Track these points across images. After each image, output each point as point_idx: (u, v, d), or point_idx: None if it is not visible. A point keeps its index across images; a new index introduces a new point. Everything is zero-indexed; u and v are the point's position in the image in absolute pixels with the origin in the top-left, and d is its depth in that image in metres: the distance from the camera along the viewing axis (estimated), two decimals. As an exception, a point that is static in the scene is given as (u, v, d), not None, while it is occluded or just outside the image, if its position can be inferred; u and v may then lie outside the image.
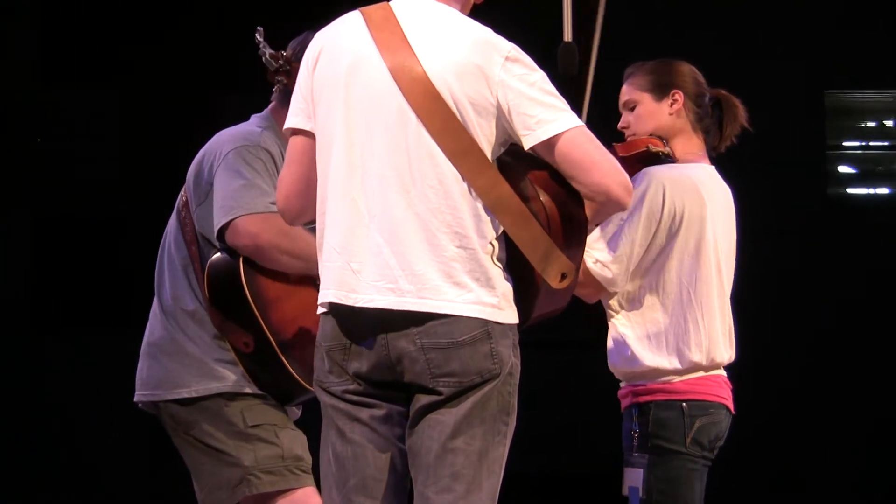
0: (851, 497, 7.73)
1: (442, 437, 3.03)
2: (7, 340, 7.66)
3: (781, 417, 7.64)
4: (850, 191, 8.42)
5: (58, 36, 7.70)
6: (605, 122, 3.96)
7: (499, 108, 3.05)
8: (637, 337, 3.88)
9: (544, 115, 3.04)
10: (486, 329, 3.03)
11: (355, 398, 3.10)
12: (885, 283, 7.80)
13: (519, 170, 3.10)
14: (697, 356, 3.88)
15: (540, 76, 3.07)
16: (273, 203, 3.73)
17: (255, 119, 4.02)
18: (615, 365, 3.94)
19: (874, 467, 7.77)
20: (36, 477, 7.58)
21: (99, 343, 7.28)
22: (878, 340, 7.76)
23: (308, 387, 3.76)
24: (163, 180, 4.48)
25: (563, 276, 3.08)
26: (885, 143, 8.50)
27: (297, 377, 3.82)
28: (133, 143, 7.65)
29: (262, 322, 3.78)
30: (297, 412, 4.03)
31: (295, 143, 3.19)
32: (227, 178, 3.83)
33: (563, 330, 4.64)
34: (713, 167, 4.05)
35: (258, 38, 3.86)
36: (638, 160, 3.94)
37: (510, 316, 3.08)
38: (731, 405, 3.97)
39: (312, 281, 3.83)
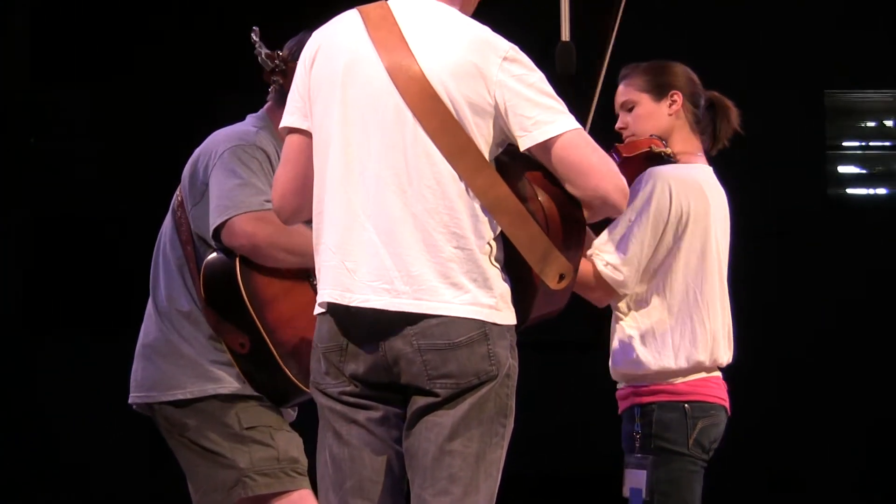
0: (851, 497, 7.72)
1: (439, 440, 3.02)
2: (3, 341, 7.65)
3: (781, 417, 7.63)
4: (850, 191, 8.41)
5: (52, 35, 7.69)
6: (604, 122, 3.96)
7: (496, 108, 3.03)
8: (644, 338, 3.89)
9: (541, 116, 3.03)
10: (483, 330, 3.02)
11: (352, 400, 3.09)
12: (885, 283, 7.79)
13: (517, 170, 3.09)
14: (702, 356, 3.89)
15: (538, 77, 3.06)
16: (268, 201, 3.71)
17: (250, 119, 4.01)
18: (618, 366, 3.94)
19: (874, 467, 7.77)
20: (34, 478, 7.57)
21: (97, 343, 7.28)
22: (878, 340, 7.75)
23: (304, 388, 3.76)
24: (160, 181, 4.46)
25: (562, 277, 3.06)
26: (886, 144, 8.48)
27: (293, 378, 3.80)
28: (130, 143, 7.64)
29: (258, 323, 3.77)
30: (292, 414, 4.01)
31: (291, 141, 3.18)
32: (222, 177, 3.82)
33: (561, 331, 4.63)
34: (710, 168, 4.05)
35: (254, 37, 3.85)
36: (642, 161, 3.94)
37: (508, 317, 3.07)
38: (728, 406, 3.98)
39: (309, 281, 3.82)
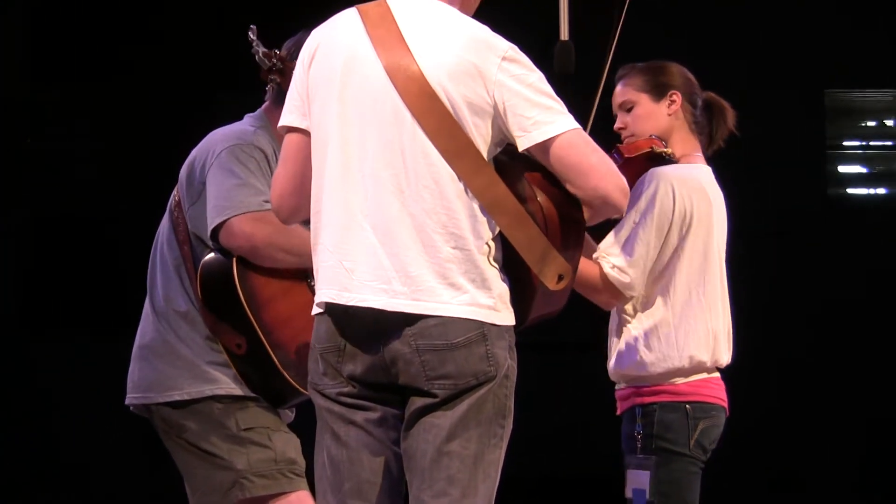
0: (851, 497, 7.72)
1: (437, 441, 3.01)
2: (1, 341, 7.64)
3: (781, 417, 7.63)
4: (850, 191, 8.40)
5: (49, 35, 7.68)
6: (603, 123, 3.95)
7: (495, 108, 3.02)
8: (648, 339, 3.90)
9: (540, 116, 3.02)
10: (481, 331, 3.01)
11: (350, 401, 3.08)
12: (885, 283, 7.79)
13: (516, 170, 3.08)
14: (704, 356, 3.90)
15: (537, 77, 3.05)
16: (267, 202, 3.71)
17: (248, 118, 3.99)
18: (621, 367, 3.94)
19: (874, 467, 7.77)
20: (34, 478, 7.56)
21: (96, 343, 7.27)
22: (878, 340, 7.75)
23: (301, 389, 3.75)
24: (158, 181, 4.44)
25: (560, 278, 3.06)
26: (886, 143, 8.47)
27: (290, 380, 3.79)
28: (127, 143, 7.63)
29: (255, 323, 3.76)
30: (290, 415, 4.00)
31: (290, 140, 3.17)
32: (220, 177, 3.80)
33: (559, 331, 4.62)
34: (709, 168, 4.05)
35: (251, 36, 3.83)
36: (643, 161, 3.95)
37: (506, 317, 3.06)
38: (727, 407, 3.98)
39: (306, 282, 3.81)
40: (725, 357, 3.97)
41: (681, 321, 3.90)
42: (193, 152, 3.96)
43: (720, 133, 4.08)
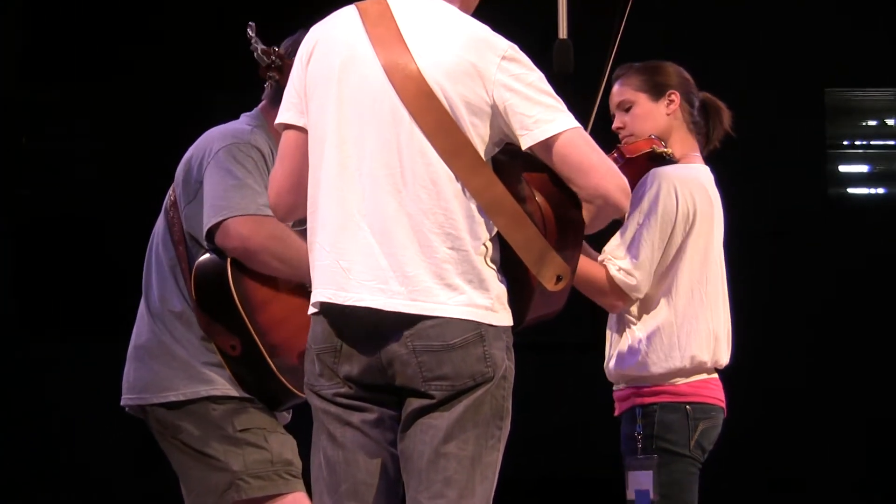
0: (851, 497, 7.73)
1: (434, 442, 2.99)
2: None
3: (780, 417, 7.63)
4: (850, 190, 8.39)
5: (44, 35, 7.67)
6: (603, 123, 3.94)
7: (494, 107, 3.01)
8: (651, 340, 3.91)
9: (542, 115, 3.01)
10: (478, 332, 2.99)
11: (346, 402, 3.06)
12: (885, 283, 7.78)
13: (514, 170, 3.07)
14: (705, 356, 3.92)
15: (537, 76, 3.04)
16: (265, 205, 3.69)
17: (244, 118, 3.97)
18: (621, 368, 3.95)
19: (874, 467, 7.77)
20: (33, 478, 7.56)
21: (94, 344, 7.26)
22: (879, 340, 7.74)
23: (297, 392, 3.73)
24: (155, 180, 4.43)
25: (559, 279, 3.04)
26: (887, 143, 8.46)
27: (285, 382, 3.77)
28: (124, 142, 7.63)
29: (249, 325, 3.74)
30: (286, 416, 3.98)
31: (288, 138, 3.16)
32: (217, 177, 3.79)
33: (558, 332, 4.61)
34: (707, 168, 4.05)
35: (250, 33, 3.81)
36: (644, 161, 3.96)
37: (504, 318, 3.04)
38: (725, 408, 3.99)
39: (302, 284, 3.79)
40: (725, 357, 3.98)
41: (683, 321, 3.91)
42: (190, 151, 3.93)
43: (716, 133, 4.09)
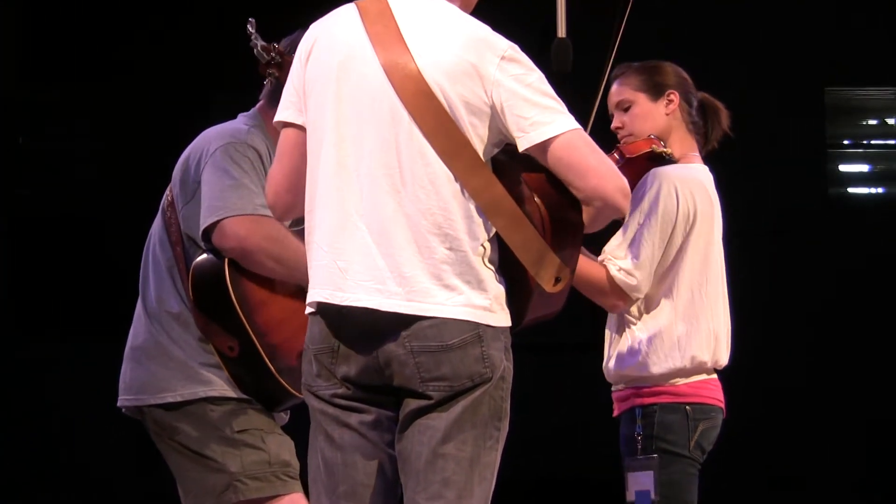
0: (851, 497, 7.73)
1: (432, 443, 2.98)
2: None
3: (780, 417, 7.63)
4: (850, 190, 8.38)
5: (41, 34, 7.66)
6: (602, 123, 3.93)
7: (493, 108, 2.99)
8: (652, 341, 3.91)
9: (540, 116, 2.99)
10: (476, 332, 2.98)
11: (344, 402, 3.05)
12: (886, 283, 7.78)
13: (514, 170, 3.05)
14: (706, 357, 3.91)
15: (537, 76, 3.02)
16: (262, 205, 3.68)
17: (242, 117, 3.96)
18: (621, 368, 3.94)
19: (874, 467, 7.77)
20: (33, 478, 7.56)
21: (94, 344, 7.25)
22: (879, 340, 7.74)
23: (294, 393, 3.72)
24: (153, 180, 4.42)
25: (558, 280, 3.03)
26: (887, 142, 8.45)
27: (283, 382, 3.76)
28: (121, 142, 7.62)
29: (247, 325, 3.73)
30: (284, 417, 3.97)
31: (286, 136, 3.14)
32: (214, 176, 3.77)
33: (557, 332, 4.60)
34: (706, 167, 4.05)
35: (250, 29, 3.79)
36: (644, 161, 3.96)
37: (502, 319, 3.03)
38: (724, 408, 3.99)
39: (300, 285, 3.78)
40: (725, 358, 3.98)
41: (683, 321, 3.91)
42: (187, 151, 3.92)
43: (715, 133, 4.09)
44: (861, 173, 8.41)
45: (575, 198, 3.05)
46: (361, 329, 3.00)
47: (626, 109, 4.01)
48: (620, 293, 3.86)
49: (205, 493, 3.84)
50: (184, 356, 3.85)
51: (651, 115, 4.00)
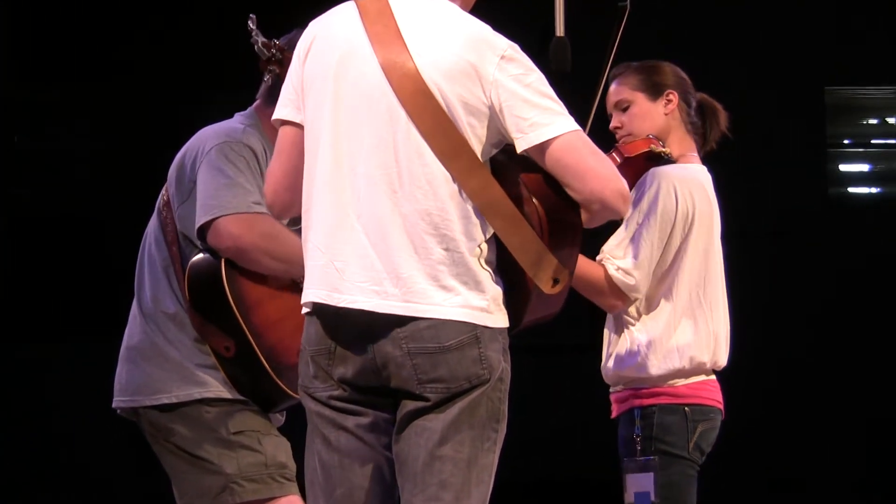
0: (851, 498, 7.72)
1: (429, 445, 2.97)
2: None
3: (780, 418, 7.63)
4: (851, 190, 8.37)
5: (36, 34, 7.66)
6: (600, 123, 3.92)
7: (492, 108, 2.98)
8: (651, 341, 3.91)
9: (539, 117, 2.97)
10: (474, 333, 2.96)
11: (340, 405, 3.03)
12: (886, 283, 7.78)
13: (512, 170, 3.03)
14: (705, 358, 3.91)
15: (537, 77, 3.00)
16: (256, 203, 3.69)
17: (238, 117, 3.95)
18: (620, 369, 3.94)
19: (874, 468, 7.77)
20: (33, 479, 7.55)
21: (93, 344, 7.24)
22: (879, 340, 7.73)
23: (291, 393, 3.71)
24: (148, 180, 4.41)
25: (556, 281, 3.01)
26: (888, 141, 8.44)
27: (280, 383, 3.75)
28: (117, 142, 7.61)
29: (243, 326, 3.72)
30: (280, 418, 3.97)
31: (284, 134, 3.13)
32: (209, 176, 3.76)
33: (555, 334, 4.59)
34: (705, 168, 4.05)
35: (251, 25, 3.78)
36: (643, 161, 3.95)
37: (500, 320, 3.01)
38: (723, 410, 3.98)
39: (296, 283, 3.77)
40: (724, 359, 3.98)
41: (683, 322, 3.90)
42: (182, 150, 3.91)
43: (713, 134, 4.09)
44: (861, 173, 8.40)
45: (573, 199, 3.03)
46: (358, 330, 2.98)
47: (625, 109, 4.01)
48: (619, 293, 3.86)
49: (201, 495, 3.83)
50: (179, 357, 3.84)
51: (650, 114, 3.99)
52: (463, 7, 3.10)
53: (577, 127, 3.00)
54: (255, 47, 3.80)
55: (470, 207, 2.97)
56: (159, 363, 3.85)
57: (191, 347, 3.83)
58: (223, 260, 3.73)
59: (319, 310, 3.02)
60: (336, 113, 3.01)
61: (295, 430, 3.55)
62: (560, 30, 3.77)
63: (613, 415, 3.99)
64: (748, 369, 4.45)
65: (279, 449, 3.85)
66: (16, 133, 7.75)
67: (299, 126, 3.09)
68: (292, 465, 3.84)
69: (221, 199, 3.72)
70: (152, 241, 3.93)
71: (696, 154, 4.04)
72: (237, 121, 3.92)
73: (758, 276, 7.05)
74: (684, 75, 4.05)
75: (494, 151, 3.03)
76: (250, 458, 3.81)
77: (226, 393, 3.82)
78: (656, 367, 3.87)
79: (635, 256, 3.84)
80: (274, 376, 3.75)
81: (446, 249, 2.95)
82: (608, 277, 3.85)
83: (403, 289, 2.94)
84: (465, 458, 2.97)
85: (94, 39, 7.58)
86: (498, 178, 2.99)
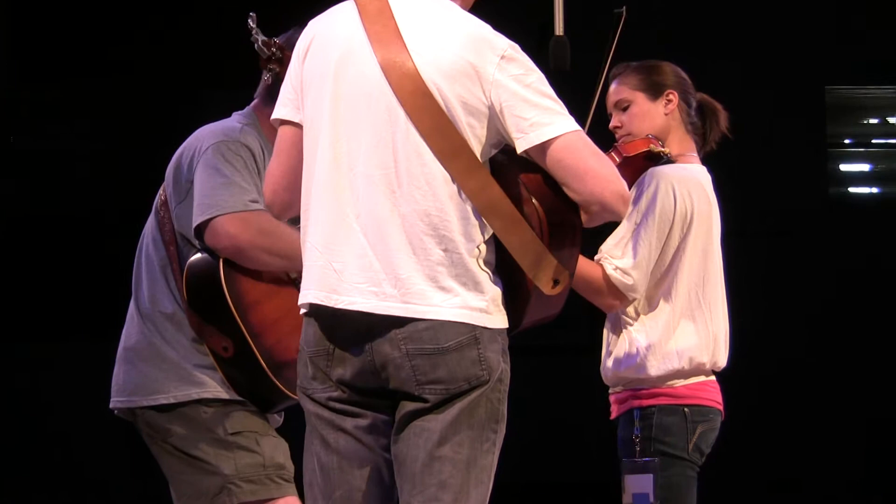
0: (850, 498, 7.72)
1: (428, 445, 2.96)
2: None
3: (780, 418, 7.62)
4: (851, 189, 8.36)
5: (32, 33, 7.65)
6: (599, 124, 3.91)
7: (491, 108, 2.97)
8: (650, 342, 3.90)
9: (538, 118, 2.96)
10: (473, 334, 2.95)
11: (339, 406, 3.02)
12: (886, 284, 7.77)
13: (512, 171, 3.02)
14: (704, 358, 3.90)
15: (537, 77, 2.99)
16: (252, 201, 3.68)
17: (236, 116, 3.95)
18: (619, 370, 3.93)
19: (873, 469, 7.77)
20: (28, 479, 7.54)
21: (91, 345, 7.23)
22: (878, 340, 7.73)
23: (289, 393, 3.71)
24: (145, 179, 4.40)
25: (556, 282, 3.00)
26: (889, 141, 8.43)
27: (278, 383, 3.74)
28: (113, 141, 7.61)
29: (242, 326, 3.71)
30: (278, 419, 3.96)
31: (284, 133, 3.12)
32: (206, 175, 3.76)
33: (555, 335, 4.59)
34: (704, 168, 4.04)
35: (251, 23, 3.77)
36: (641, 161, 3.94)
37: (499, 320, 3.00)
38: (723, 410, 3.97)
39: (294, 282, 3.76)
40: (723, 359, 3.97)
41: (682, 323, 3.89)
42: (179, 149, 3.91)
43: (713, 135, 4.09)
44: (862, 173, 8.40)
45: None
46: (357, 332, 2.97)
47: (625, 109, 4.00)
48: (616, 293, 3.85)
49: (198, 496, 3.82)
50: (177, 357, 3.83)
51: (649, 114, 3.98)
52: (463, 6, 3.09)
53: (577, 127, 2.99)
54: (255, 46, 3.79)
55: (469, 208, 2.96)
56: (157, 364, 3.84)
57: (188, 348, 3.82)
58: (221, 260, 3.72)
59: (317, 311, 3.01)
60: (335, 112, 3.00)
61: (293, 431, 3.54)
62: (559, 28, 3.77)
63: (613, 416, 3.98)
64: (747, 369, 4.44)
65: (277, 450, 3.84)
66: (13, 132, 7.74)
67: (298, 126, 3.08)
68: (290, 466, 3.84)
69: (218, 199, 3.71)
70: (150, 240, 3.92)
71: (695, 154, 4.03)
72: (235, 120, 3.91)
73: (757, 276, 7.04)
74: (684, 75, 4.04)
75: (494, 152, 3.02)
76: (248, 459, 3.80)
77: (223, 393, 3.81)
78: (655, 367, 3.86)
79: (633, 256, 3.83)
80: (272, 376, 3.74)
81: (445, 250, 2.94)
82: (606, 277, 3.84)
83: (402, 290, 2.93)
84: (464, 458, 2.96)
85: (93, 38, 7.58)
86: (497, 179, 2.98)
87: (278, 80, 3.66)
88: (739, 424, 4.34)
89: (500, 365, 3.00)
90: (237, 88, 4.29)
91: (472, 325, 2.95)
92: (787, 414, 7.64)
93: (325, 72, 3.02)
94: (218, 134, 3.83)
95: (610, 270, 3.83)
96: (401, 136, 2.96)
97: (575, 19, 3.86)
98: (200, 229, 3.72)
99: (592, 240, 3.74)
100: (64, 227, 7.75)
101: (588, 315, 3.99)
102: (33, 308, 7.76)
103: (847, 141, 8.34)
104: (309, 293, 3.01)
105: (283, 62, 3.71)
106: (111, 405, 3.94)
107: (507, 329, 3.03)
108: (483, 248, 2.98)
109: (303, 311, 3.05)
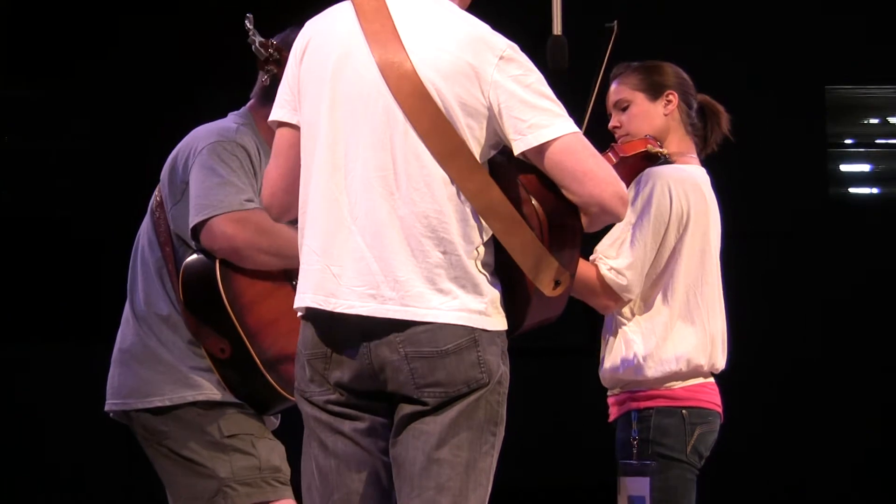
0: (852, 499, 7.70)
1: (427, 448, 2.95)
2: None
3: (780, 418, 7.62)
4: (851, 190, 8.36)
5: (27, 33, 7.65)
6: (598, 124, 3.90)
7: (490, 109, 2.95)
8: (647, 343, 3.88)
9: (536, 119, 2.94)
10: (472, 337, 2.94)
11: (337, 409, 3.01)
12: (886, 284, 7.77)
13: (512, 172, 3.01)
14: (702, 360, 3.88)
15: (536, 77, 2.98)
16: (248, 200, 3.68)
17: (232, 116, 3.94)
18: (617, 372, 3.92)
19: (874, 469, 7.76)
20: (24, 482, 7.53)
21: (87, 347, 7.22)
22: (879, 341, 7.73)
23: (286, 395, 3.70)
24: (140, 180, 4.39)
25: (557, 284, 2.99)
26: (889, 141, 8.43)
27: (275, 385, 3.73)
28: (106, 142, 7.61)
29: (238, 327, 3.70)
30: (275, 421, 3.95)
31: (281, 135, 3.11)
32: (201, 175, 3.75)
33: (554, 337, 4.58)
34: (703, 169, 4.03)
35: (248, 24, 3.77)
36: (639, 161, 3.93)
37: (498, 323, 2.99)
38: (722, 412, 3.96)
39: (291, 283, 3.75)
40: (721, 361, 3.96)
41: (679, 324, 3.88)
42: (175, 150, 3.90)
43: (714, 136, 4.08)
44: (862, 173, 8.39)
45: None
46: (355, 335, 2.96)
47: (625, 109, 4.00)
48: (611, 293, 3.83)
49: (194, 499, 3.81)
50: (173, 359, 3.82)
51: (649, 114, 3.97)
52: (461, 5, 3.08)
53: (576, 129, 2.98)
54: (253, 47, 3.79)
55: (468, 210, 2.95)
56: (152, 366, 3.83)
57: (184, 350, 3.81)
58: (217, 260, 3.71)
59: (315, 314, 3.00)
60: (333, 113, 2.99)
61: (290, 434, 3.53)
62: (557, 28, 3.76)
63: (611, 418, 3.97)
64: (748, 370, 4.43)
65: (273, 452, 3.84)
66: (6, 133, 7.74)
67: (296, 127, 3.07)
68: (286, 469, 3.83)
69: (213, 199, 3.70)
70: (145, 242, 3.91)
71: (694, 155, 4.02)
72: (231, 120, 3.91)
73: (758, 276, 7.04)
74: (685, 76, 4.03)
75: (493, 153, 3.01)
76: (244, 462, 3.79)
77: (219, 396, 3.80)
78: (653, 369, 3.85)
79: (628, 256, 3.82)
80: (268, 377, 3.73)
81: (444, 252, 2.93)
82: (600, 277, 3.83)
83: (401, 293, 2.92)
84: (462, 461, 2.95)
85: (87, 38, 7.57)
86: (497, 180, 2.97)
87: (276, 80, 3.65)
88: (738, 425, 4.33)
89: (500, 367, 2.99)
90: (233, 88, 4.28)
91: (471, 327, 2.94)
92: (786, 414, 7.64)
93: (323, 72, 3.01)
94: (213, 134, 3.82)
95: (604, 271, 3.82)
96: (399, 137, 2.95)
97: (573, 19, 3.85)
98: (197, 230, 3.71)
99: (589, 240, 3.73)
100: (61, 229, 7.75)
101: (587, 317, 3.97)
102: (30, 309, 7.76)
103: (847, 141, 8.33)
104: (306, 296, 2.99)
105: (281, 63, 3.71)
106: (106, 408, 3.93)
107: (509, 331, 3.02)
108: (482, 250, 2.96)
109: (300, 314, 3.04)
